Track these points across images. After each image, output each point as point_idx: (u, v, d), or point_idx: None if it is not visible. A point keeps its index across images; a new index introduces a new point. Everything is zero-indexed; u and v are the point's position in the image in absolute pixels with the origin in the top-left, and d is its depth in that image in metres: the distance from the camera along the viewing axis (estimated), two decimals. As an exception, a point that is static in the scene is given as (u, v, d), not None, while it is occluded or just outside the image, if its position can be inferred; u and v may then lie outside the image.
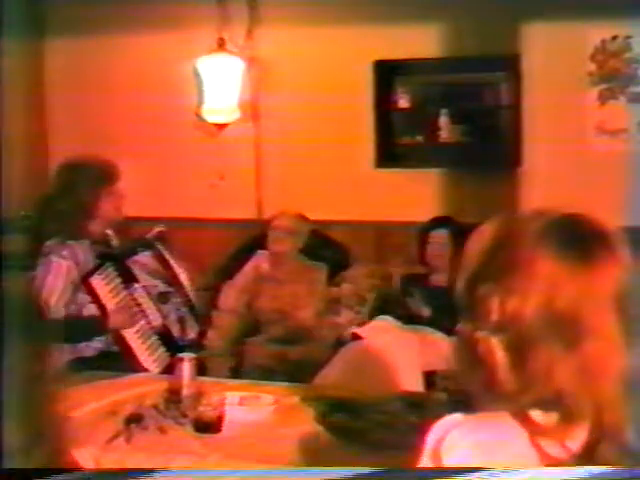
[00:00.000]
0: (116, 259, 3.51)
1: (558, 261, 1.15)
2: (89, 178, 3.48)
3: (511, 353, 1.16)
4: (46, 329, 1.26)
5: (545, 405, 1.15)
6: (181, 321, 3.54)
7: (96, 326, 3.39)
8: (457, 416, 1.19)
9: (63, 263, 3.38)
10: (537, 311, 1.14)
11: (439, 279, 4.38)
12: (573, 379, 1.13)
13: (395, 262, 4.69)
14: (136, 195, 3.78)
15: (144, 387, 3.06)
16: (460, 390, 1.24)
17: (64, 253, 3.39)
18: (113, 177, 3.52)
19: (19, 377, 1.18)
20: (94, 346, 3.45)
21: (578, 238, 1.17)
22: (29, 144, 5.22)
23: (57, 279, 3.36)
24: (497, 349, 1.16)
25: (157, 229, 3.71)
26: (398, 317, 4.24)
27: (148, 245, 3.62)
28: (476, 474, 1.14)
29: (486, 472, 1.14)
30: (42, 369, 1.21)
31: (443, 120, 4.87)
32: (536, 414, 1.15)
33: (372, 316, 4.37)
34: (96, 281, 3.42)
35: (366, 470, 1.23)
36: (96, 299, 3.40)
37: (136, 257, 3.56)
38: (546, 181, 4.59)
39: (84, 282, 3.40)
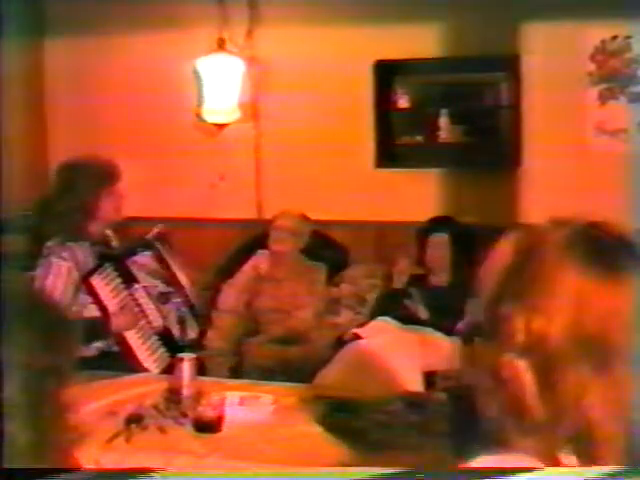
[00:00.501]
0: (116, 259, 3.50)
1: (584, 274, 1.07)
2: (89, 178, 3.47)
3: (538, 377, 1.08)
4: (50, 327, 1.26)
5: (575, 443, 1.07)
6: (181, 321, 3.54)
7: (98, 328, 3.38)
8: (485, 459, 1.11)
9: (63, 264, 3.38)
10: (564, 330, 1.07)
11: (439, 280, 4.38)
12: (603, 407, 1.06)
13: (403, 262, 4.67)
14: (136, 195, 3.77)
15: (144, 387, 3.06)
16: (461, 391, 1.20)
17: (64, 254, 3.39)
18: (113, 177, 3.51)
19: (20, 376, 1.18)
20: (94, 346, 3.44)
21: (604, 249, 1.10)
22: (29, 144, 5.22)
23: (57, 280, 3.36)
24: (524, 373, 1.08)
25: (157, 229, 3.70)
26: (398, 317, 4.24)
27: (148, 245, 3.61)
28: (498, 478, 1.11)
29: (504, 474, 1.11)
30: (44, 368, 1.21)
31: (443, 120, 4.87)
32: (567, 459, 1.07)
33: (372, 316, 4.36)
34: (96, 281, 3.41)
35: (382, 471, 1.21)
36: (96, 299, 3.40)
37: (136, 257, 3.55)
38: (546, 181, 4.59)
39: (84, 282, 3.40)
